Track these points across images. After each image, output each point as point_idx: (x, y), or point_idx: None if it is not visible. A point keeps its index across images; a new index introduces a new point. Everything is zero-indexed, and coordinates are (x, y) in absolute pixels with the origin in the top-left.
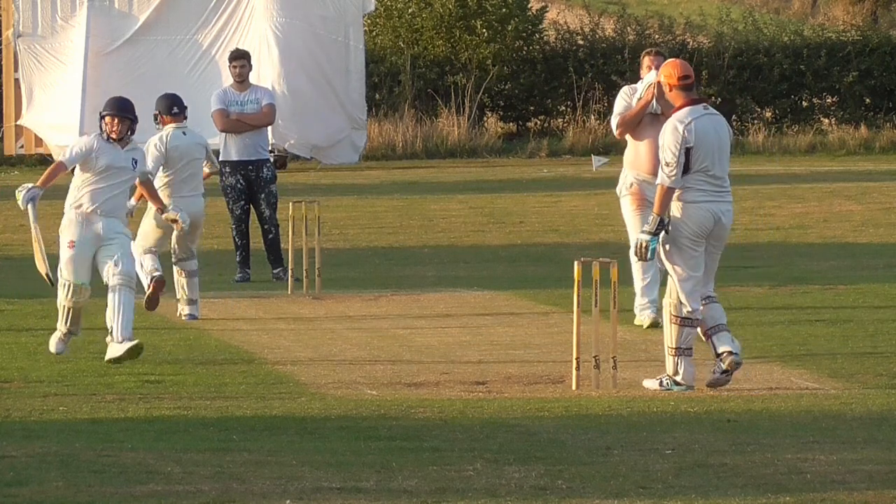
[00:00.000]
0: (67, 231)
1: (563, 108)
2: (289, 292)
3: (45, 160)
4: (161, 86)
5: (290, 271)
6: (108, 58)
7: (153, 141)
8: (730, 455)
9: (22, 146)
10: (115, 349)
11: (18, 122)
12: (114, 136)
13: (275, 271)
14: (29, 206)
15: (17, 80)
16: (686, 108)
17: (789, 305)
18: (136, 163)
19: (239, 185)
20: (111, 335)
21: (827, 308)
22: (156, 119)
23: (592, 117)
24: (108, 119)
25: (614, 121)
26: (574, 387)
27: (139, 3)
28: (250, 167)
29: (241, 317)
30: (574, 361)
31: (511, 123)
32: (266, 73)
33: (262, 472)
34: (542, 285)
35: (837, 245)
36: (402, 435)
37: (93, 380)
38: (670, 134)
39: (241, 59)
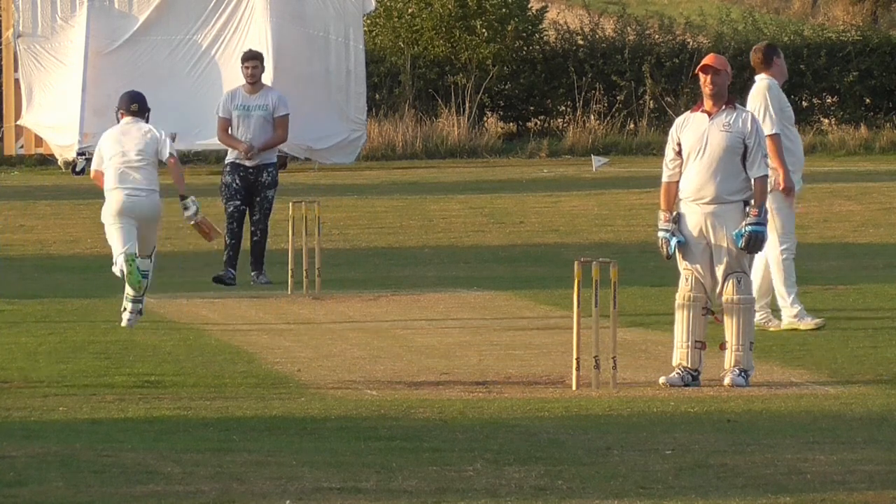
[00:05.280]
0: None
1: (563, 108)
2: (289, 292)
3: (45, 160)
4: (161, 86)
5: (289, 272)
6: (108, 58)
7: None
8: (730, 455)
9: (22, 146)
10: None
11: (18, 122)
12: None
13: (252, 273)
14: None
15: (17, 80)
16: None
17: None
18: None
19: (234, 185)
20: None
21: (827, 308)
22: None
23: (592, 117)
24: None
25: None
26: (574, 387)
27: (139, 3)
28: (250, 170)
29: (240, 317)
30: (574, 361)
31: (511, 123)
32: (265, 73)
33: (262, 472)
34: (542, 285)
35: (837, 245)
36: (402, 435)
37: (93, 380)
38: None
39: (253, 59)
